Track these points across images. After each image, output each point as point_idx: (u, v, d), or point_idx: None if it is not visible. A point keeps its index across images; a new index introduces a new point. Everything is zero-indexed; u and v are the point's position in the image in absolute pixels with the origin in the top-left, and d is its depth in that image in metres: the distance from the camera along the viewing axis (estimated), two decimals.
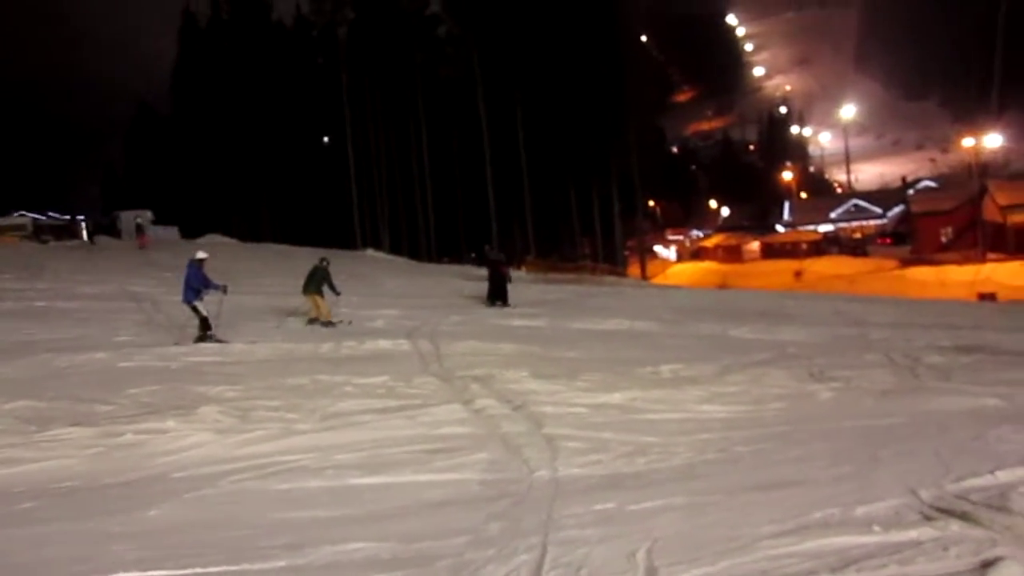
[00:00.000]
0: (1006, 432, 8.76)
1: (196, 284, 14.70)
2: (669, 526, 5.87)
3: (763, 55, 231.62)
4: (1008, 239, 61.42)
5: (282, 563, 5.33)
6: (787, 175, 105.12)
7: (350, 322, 17.82)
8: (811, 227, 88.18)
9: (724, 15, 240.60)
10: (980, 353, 15.59)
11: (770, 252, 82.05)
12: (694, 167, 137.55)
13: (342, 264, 34.83)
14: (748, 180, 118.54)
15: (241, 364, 13.18)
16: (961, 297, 39.28)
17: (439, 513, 6.47)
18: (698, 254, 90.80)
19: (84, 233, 47.45)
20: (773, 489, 6.76)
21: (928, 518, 5.85)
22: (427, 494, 6.98)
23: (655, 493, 6.75)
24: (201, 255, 15.39)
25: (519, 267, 50.19)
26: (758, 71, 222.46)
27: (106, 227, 51.26)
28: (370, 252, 50.00)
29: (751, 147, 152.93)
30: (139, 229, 43.58)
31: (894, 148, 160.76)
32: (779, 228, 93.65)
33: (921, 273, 56.43)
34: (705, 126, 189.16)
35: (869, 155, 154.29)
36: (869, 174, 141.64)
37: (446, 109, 61.97)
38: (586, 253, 63.55)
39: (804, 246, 79.28)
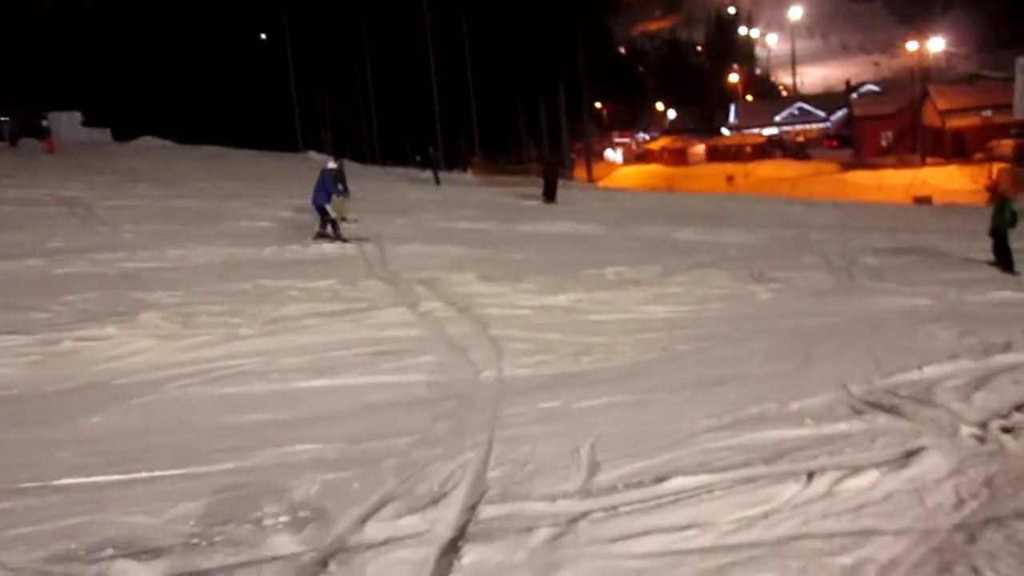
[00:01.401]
0: (934, 330, 9.11)
1: (326, 188, 15.81)
2: (612, 423, 6.03)
3: None
4: (946, 144, 62.52)
5: (229, 465, 5.36)
6: (733, 78, 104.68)
7: (356, 220, 17.90)
8: (756, 130, 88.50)
9: None
10: (913, 255, 16.07)
11: (715, 155, 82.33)
12: (641, 69, 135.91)
13: (283, 166, 34.12)
14: (695, 82, 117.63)
15: (180, 270, 12.92)
16: (898, 200, 40.14)
17: (385, 414, 6.54)
18: (644, 157, 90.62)
19: (6, 135, 45.04)
20: (712, 386, 6.96)
21: (858, 412, 6.10)
22: (373, 396, 7.03)
23: (599, 391, 6.91)
24: (332, 164, 16.89)
25: (465, 170, 49.70)
26: None
27: (35, 129, 48.90)
28: (311, 154, 48.88)
29: (698, 48, 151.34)
30: (45, 132, 41.36)
31: (840, 51, 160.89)
32: (724, 131, 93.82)
33: (861, 177, 57.32)
34: (653, 26, 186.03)
35: (815, 58, 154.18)
36: (814, 77, 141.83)
37: (389, 8, 59.84)
38: (533, 156, 63.06)
39: (748, 149, 79.66)
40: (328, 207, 15.90)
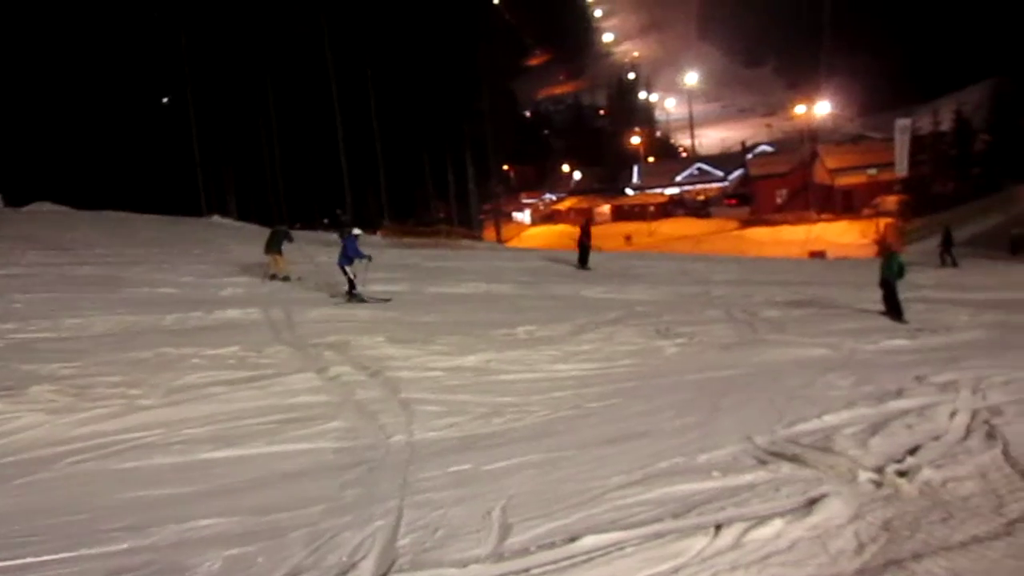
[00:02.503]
0: (833, 379, 9.48)
1: (351, 253, 16.97)
2: (524, 483, 6.01)
3: (612, 21, 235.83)
4: (836, 200, 65.81)
5: (124, 545, 5.10)
6: (635, 139, 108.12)
7: (299, 278, 19.30)
8: (658, 190, 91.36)
9: None
10: (811, 307, 16.72)
11: (620, 215, 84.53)
12: (547, 131, 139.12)
13: (186, 231, 33.32)
14: (599, 144, 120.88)
15: (77, 340, 12.37)
16: (794, 255, 41.84)
17: (293, 484, 6.35)
18: (552, 217, 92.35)
19: None
20: (623, 442, 7.04)
21: (762, 462, 6.26)
22: (281, 465, 6.83)
23: (510, 452, 6.89)
24: (357, 231, 18.21)
25: (375, 232, 49.55)
26: (607, 37, 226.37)
27: None
28: (216, 218, 47.89)
29: (601, 112, 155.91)
30: None
31: (734, 113, 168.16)
32: (628, 191, 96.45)
33: (759, 233, 59.68)
34: (557, 90, 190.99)
35: (711, 120, 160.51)
36: (711, 138, 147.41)
37: (295, 72, 59.80)
38: (442, 217, 63.44)
39: (652, 208, 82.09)
40: (348, 268, 16.96)
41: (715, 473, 5.99)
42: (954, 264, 26.89)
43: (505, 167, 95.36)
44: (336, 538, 5.01)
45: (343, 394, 9.20)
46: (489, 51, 63.23)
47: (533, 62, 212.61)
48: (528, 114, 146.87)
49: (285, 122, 59.12)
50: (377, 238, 42.63)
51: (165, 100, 66.67)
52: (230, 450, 7.26)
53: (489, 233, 62.21)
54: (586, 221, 27.19)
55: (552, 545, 4.78)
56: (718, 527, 4.85)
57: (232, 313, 14.93)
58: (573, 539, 4.81)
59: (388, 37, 57.03)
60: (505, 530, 5.06)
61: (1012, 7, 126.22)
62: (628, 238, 63.34)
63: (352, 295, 16.86)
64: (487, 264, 26.79)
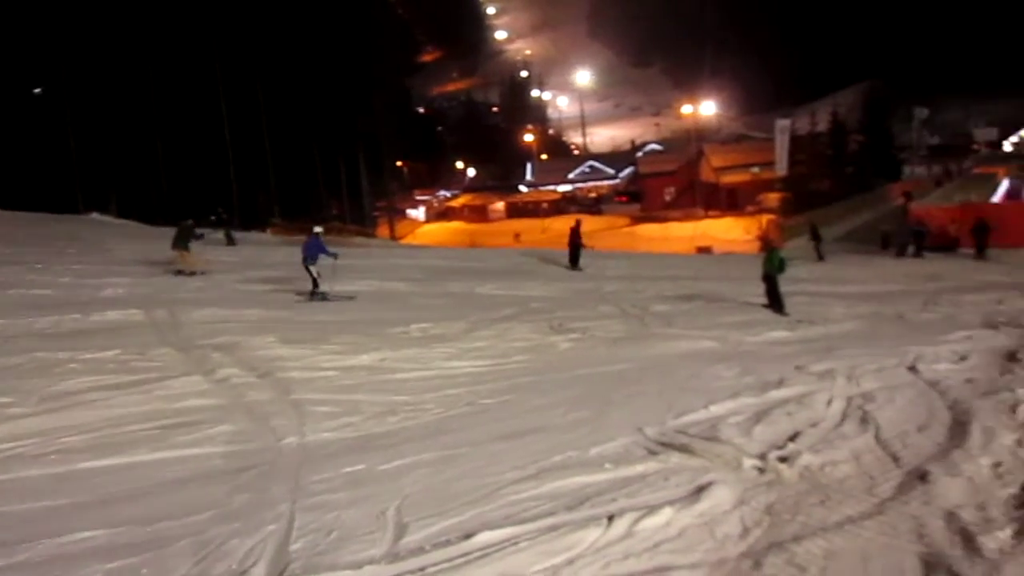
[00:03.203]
0: (719, 370, 9.81)
1: (315, 251, 17.00)
2: (419, 482, 5.99)
3: (504, 19, 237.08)
4: (722, 198, 68.15)
5: None
6: (528, 137, 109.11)
7: (203, 272, 19.37)
8: (552, 187, 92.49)
9: None
10: (698, 301, 17.24)
11: (515, 212, 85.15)
12: (440, 128, 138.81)
13: (62, 229, 31.70)
14: (492, 141, 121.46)
15: None
16: (683, 251, 43.04)
17: (179, 491, 6.13)
18: (446, 214, 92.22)
19: None
20: (517, 437, 7.09)
21: (652, 453, 6.43)
22: (165, 472, 6.58)
23: (405, 451, 6.84)
24: (318, 229, 18.53)
25: (264, 229, 48.32)
26: (500, 35, 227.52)
27: None
28: (95, 216, 45.71)
29: (495, 109, 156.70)
30: None
31: (624, 112, 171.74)
32: (522, 188, 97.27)
33: (649, 229, 61.17)
34: (450, 87, 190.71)
35: (602, 119, 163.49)
36: (602, 137, 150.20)
37: (180, 65, 57.60)
38: (334, 215, 62.38)
39: (545, 205, 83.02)
40: (312, 267, 16.91)
41: (607, 465, 6.11)
42: (821, 259, 28.15)
43: (399, 164, 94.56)
44: (224, 546, 4.87)
45: (232, 397, 8.94)
46: (381, 47, 62.57)
47: (426, 59, 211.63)
48: (422, 111, 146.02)
49: (169, 116, 56.88)
50: (267, 236, 41.62)
51: (37, 91, 63.07)
52: (111, 459, 6.94)
53: (383, 230, 61.54)
54: (577, 222, 27.38)
55: (447, 543, 4.78)
56: (610, 518, 4.95)
57: (113, 315, 14.27)
58: (468, 536, 4.82)
59: (277, 32, 55.64)
60: (400, 530, 5.03)
61: (885, 13, 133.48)
62: (517, 236, 63.75)
63: (316, 294, 16.79)
64: (381, 262, 26.51)
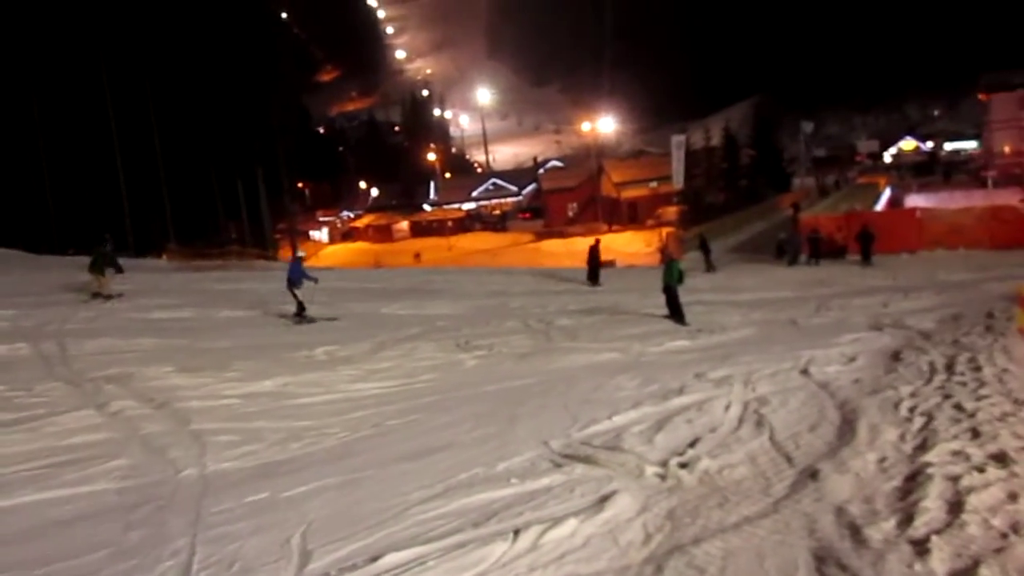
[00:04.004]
0: (622, 381, 10.00)
1: (296, 276, 17.29)
2: (324, 507, 5.90)
3: (404, 38, 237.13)
4: (622, 212, 69.57)
5: None
6: (431, 156, 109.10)
7: (120, 294, 19.79)
8: (456, 205, 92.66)
9: None
10: (601, 314, 17.54)
11: (419, 230, 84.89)
12: (342, 148, 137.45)
13: None
14: (395, 160, 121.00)
15: None
16: (586, 265, 43.60)
17: (71, 530, 5.87)
18: (349, 235, 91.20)
19: None
20: (423, 457, 7.07)
21: (558, 465, 6.51)
22: (54, 512, 6.27)
23: (309, 476, 6.73)
24: (301, 253, 19.01)
25: (159, 255, 46.78)
26: (400, 54, 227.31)
27: None
28: None
29: (396, 128, 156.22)
30: None
31: (525, 130, 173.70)
32: (426, 207, 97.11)
33: (553, 245, 61.82)
34: (350, 106, 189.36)
35: (504, 136, 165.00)
36: (505, 154, 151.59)
37: (67, 86, 55.35)
38: (233, 238, 60.89)
39: (450, 223, 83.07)
40: (297, 291, 17.19)
41: (513, 480, 6.16)
42: (712, 270, 29.02)
43: (299, 184, 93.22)
44: None
45: (127, 430, 8.61)
46: (278, 66, 61.68)
47: (325, 78, 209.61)
48: (322, 130, 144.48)
49: (55, 139, 54.51)
50: (162, 262, 40.33)
51: None
52: None
53: (285, 253, 60.44)
54: (596, 241, 28.65)
55: (353, 567, 4.73)
56: (516, 532, 4.99)
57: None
58: (375, 559, 4.78)
59: (170, 51, 54.13)
60: (305, 557, 4.95)
61: (771, 31, 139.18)
62: (417, 255, 63.37)
63: (301, 316, 17.05)
64: (283, 285, 26.00)
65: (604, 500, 5.52)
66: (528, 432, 7.63)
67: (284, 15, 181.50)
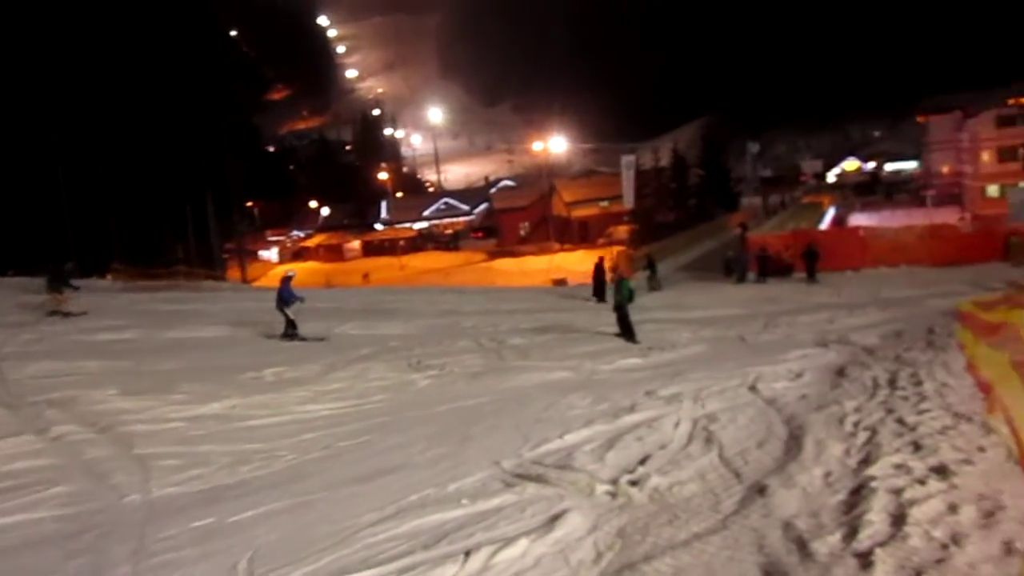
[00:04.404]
0: (574, 399, 10.03)
1: (286, 295, 17.55)
2: (272, 531, 5.81)
3: (355, 57, 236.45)
4: (574, 231, 70.10)
5: None
6: (383, 175, 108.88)
7: (84, 312, 20.32)
8: (408, 224, 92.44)
9: (314, 15, 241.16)
10: (553, 332, 17.61)
11: (371, 250, 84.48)
12: (292, 167, 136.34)
13: None
14: (346, 180, 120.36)
15: None
16: (538, 283, 43.83)
17: (10, 560, 5.71)
18: (300, 254, 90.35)
19: None
20: (375, 478, 7.01)
21: (509, 485, 6.50)
22: None
23: (258, 501, 6.63)
24: (291, 273, 18.99)
25: (104, 276, 45.78)
26: (351, 73, 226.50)
27: None
28: None
29: (348, 147, 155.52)
30: None
31: (478, 150, 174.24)
32: (378, 226, 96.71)
33: (505, 264, 61.99)
34: (301, 125, 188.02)
35: (456, 156, 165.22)
36: (457, 174, 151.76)
37: (6, 103, 54.08)
38: (180, 258, 59.80)
39: (402, 243, 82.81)
40: (288, 310, 17.42)
41: (464, 501, 6.13)
42: (656, 288, 29.27)
43: (249, 204, 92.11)
44: None
45: (68, 456, 8.39)
46: (227, 84, 61.07)
47: (276, 96, 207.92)
48: (272, 149, 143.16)
49: None
50: (107, 283, 39.46)
51: None
52: None
53: (233, 273, 59.59)
54: (601, 259, 29.17)
55: None
56: (467, 553, 4.96)
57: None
58: None
59: (116, 68, 53.24)
60: None
61: (719, 52, 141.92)
62: (366, 276, 62.83)
63: (292, 335, 17.30)
64: (231, 306, 25.65)
65: (555, 519, 5.52)
66: (480, 452, 7.61)
67: (234, 33, 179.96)
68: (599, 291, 26.36)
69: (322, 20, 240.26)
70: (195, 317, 21.96)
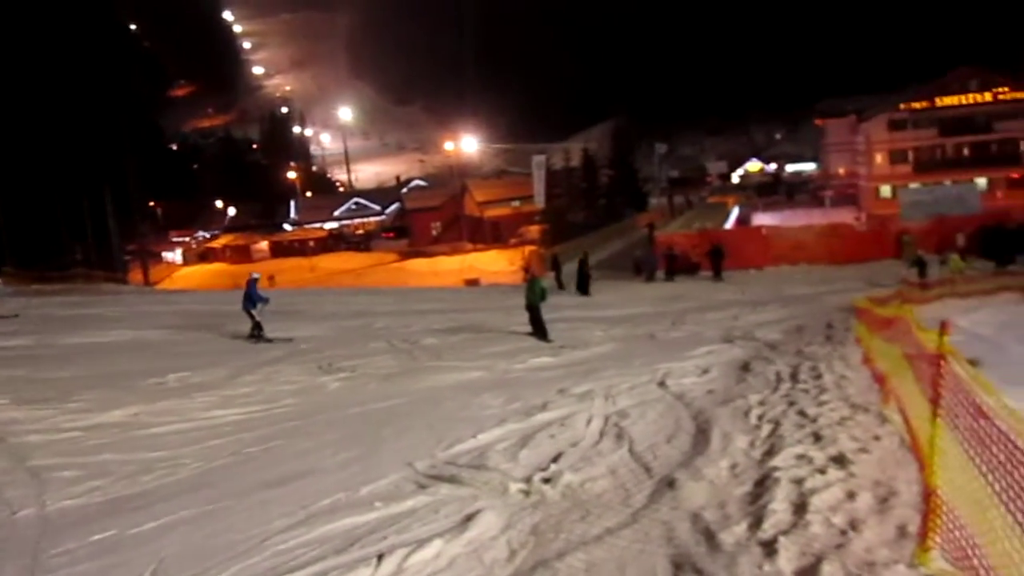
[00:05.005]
0: (487, 399, 10.05)
1: (253, 296, 17.33)
2: (177, 542, 5.63)
3: (262, 54, 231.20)
4: (486, 231, 70.22)
5: None
6: (292, 174, 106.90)
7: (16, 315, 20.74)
8: (318, 225, 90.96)
9: (219, 11, 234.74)
10: (467, 332, 17.59)
11: (280, 251, 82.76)
12: (197, 166, 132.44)
13: None
14: (253, 179, 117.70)
15: None
16: (451, 284, 43.76)
17: None
18: (206, 256, 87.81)
19: None
20: (284, 484, 6.86)
21: (422, 486, 6.46)
22: None
23: (161, 511, 6.41)
24: (256, 275, 18.51)
25: None
26: (258, 70, 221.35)
27: None
28: None
29: (255, 146, 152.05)
30: None
31: (389, 149, 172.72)
32: (287, 227, 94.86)
33: (417, 264, 61.65)
34: (206, 123, 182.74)
35: (367, 155, 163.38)
36: (368, 173, 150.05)
37: None
38: (78, 260, 57.41)
39: (312, 243, 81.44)
40: (253, 311, 17.21)
41: (377, 503, 6.06)
42: (563, 287, 29.55)
43: (151, 204, 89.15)
44: None
45: None
46: (127, 80, 58.93)
47: (179, 93, 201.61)
48: (175, 147, 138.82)
49: None
50: None
51: None
52: None
53: (136, 275, 57.53)
54: (585, 253, 30.69)
55: None
56: (380, 556, 4.91)
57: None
58: None
59: (4, 59, 50.72)
60: None
61: (628, 54, 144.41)
62: (271, 278, 61.07)
63: (259, 336, 17.07)
64: (133, 309, 24.78)
65: (469, 519, 5.51)
66: (393, 454, 7.55)
67: (133, 27, 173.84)
68: (583, 286, 27.87)
69: (227, 16, 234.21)
70: (95, 321, 21.11)
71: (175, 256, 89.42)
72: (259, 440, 8.76)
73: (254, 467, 7.69)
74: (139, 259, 60.61)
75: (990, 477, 3.39)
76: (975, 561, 3.66)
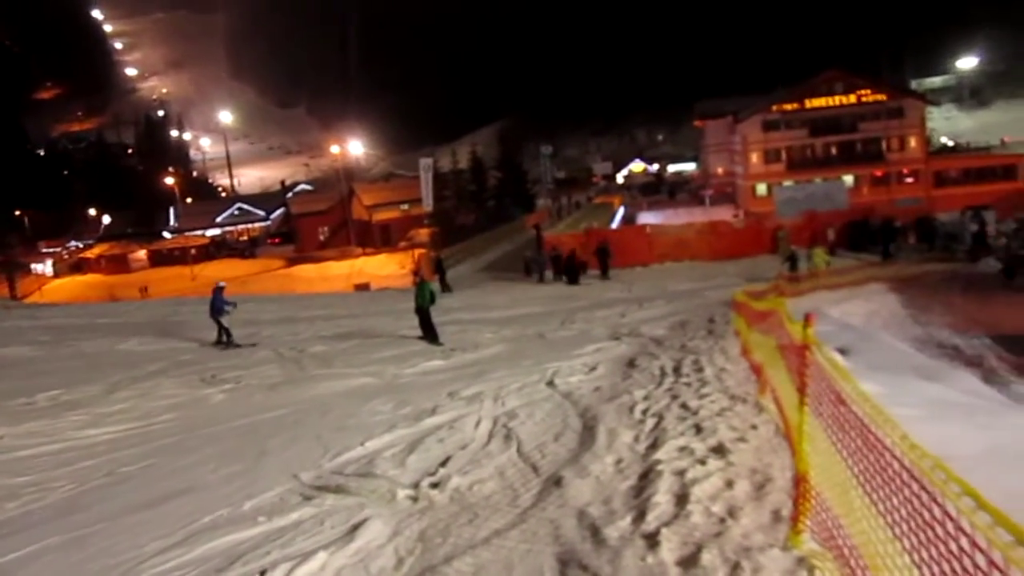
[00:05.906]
0: (377, 404, 9.95)
1: (218, 304, 17.43)
2: (44, 571, 5.34)
3: (135, 55, 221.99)
4: (375, 234, 69.42)
5: None
6: (170, 180, 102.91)
7: None
8: (199, 232, 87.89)
9: (88, 9, 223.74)
10: (356, 338, 17.35)
11: (159, 259, 79.49)
12: (67, 172, 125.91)
13: None
14: (129, 185, 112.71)
15: None
16: (340, 289, 43.03)
17: None
18: (80, 267, 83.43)
19: None
20: (162, 503, 6.60)
21: (308, 498, 6.33)
22: None
23: (28, 539, 6.05)
24: (222, 284, 18.59)
25: None
26: (131, 71, 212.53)
27: None
28: None
29: (129, 150, 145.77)
30: None
31: (272, 153, 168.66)
32: (166, 234, 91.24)
33: (305, 270, 60.31)
34: (76, 127, 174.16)
35: (250, 159, 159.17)
36: (251, 178, 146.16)
37: None
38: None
39: (193, 251, 78.62)
40: (221, 319, 17.35)
41: (261, 518, 5.90)
42: (447, 290, 29.58)
43: (17, 213, 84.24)
44: None
45: None
46: None
47: (45, 95, 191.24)
48: (42, 152, 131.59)
49: None
50: None
51: None
52: None
53: (0, 289, 54.23)
54: (573, 250, 31.29)
55: None
56: (263, 573, 4.78)
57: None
58: None
59: None
60: None
61: (514, 57, 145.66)
62: (144, 289, 58.58)
63: (227, 342, 17.17)
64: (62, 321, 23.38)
65: (355, 529, 5.43)
66: (278, 466, 7.36)
67: None
68: (572, 277, 29.20)
69: (96, 14, 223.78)
70: None
71: (45, 268, 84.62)
72: (135, 459, 8.39)
73: (131, 487, 7.36)
74: (5, 271, 57.20)
75: (850, 461, 3.56)
76: (839, 541, 3.85)
